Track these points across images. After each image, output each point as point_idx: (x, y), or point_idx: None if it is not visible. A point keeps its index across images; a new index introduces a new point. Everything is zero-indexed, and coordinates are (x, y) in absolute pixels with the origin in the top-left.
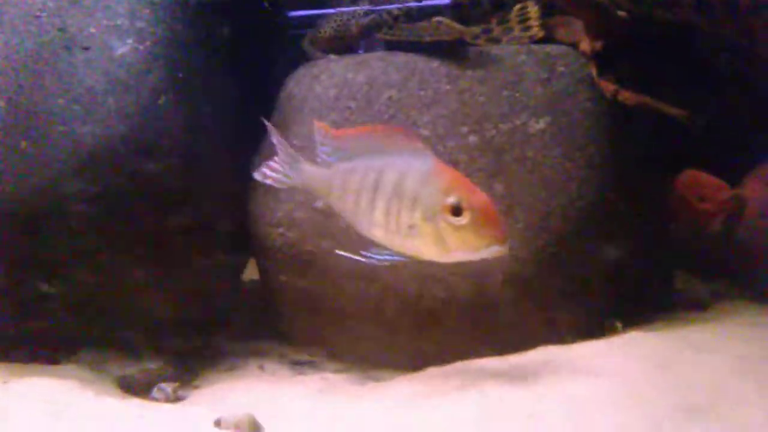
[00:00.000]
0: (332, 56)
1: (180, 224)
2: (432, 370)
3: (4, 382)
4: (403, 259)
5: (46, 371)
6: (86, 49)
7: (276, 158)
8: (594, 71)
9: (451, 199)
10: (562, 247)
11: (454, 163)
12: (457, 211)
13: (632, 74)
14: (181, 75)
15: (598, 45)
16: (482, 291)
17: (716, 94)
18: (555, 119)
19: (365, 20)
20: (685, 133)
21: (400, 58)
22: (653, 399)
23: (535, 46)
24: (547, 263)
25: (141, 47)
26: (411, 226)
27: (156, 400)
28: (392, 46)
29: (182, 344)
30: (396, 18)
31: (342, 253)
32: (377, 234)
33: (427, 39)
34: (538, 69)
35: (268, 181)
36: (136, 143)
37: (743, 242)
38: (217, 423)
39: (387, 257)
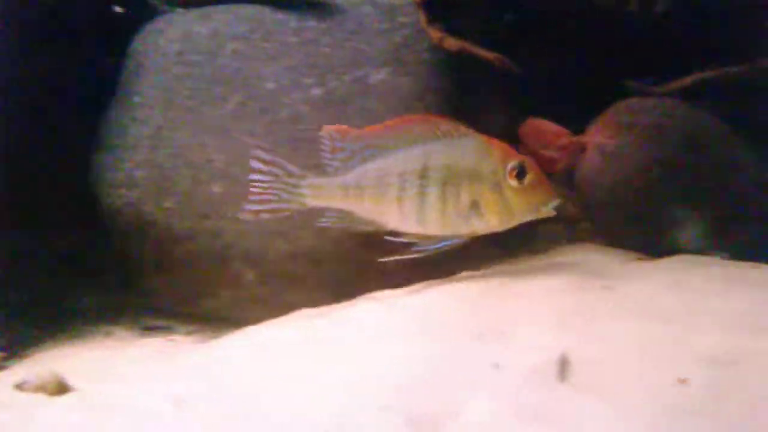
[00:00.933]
0: (179, 9)
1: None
2: (272, 321)
3: None
4: (459, 241)
5: None
6: None
7: (263, 184)
8: (423, 19)
9: (513, 164)
10: None
11: (298, 116)
12: (521, 173)
13: (461, 22)
14: None
15: None
16: (321, 244)
17: (552, 43)
18: (395, 70)
19: None
20: (531, 83)
21: (247, 10)
22: (452, 326)
23: None
24: None
25: None
26: (474, 202)
27: None
28: None
29: (21, 318)
30: None
31: (390, 259)
32: (430, 223)
33: None
34: (380, 20)
35: (266, 216)
36: None
37: (581, 187)
38: (19, 386)
39: (442, 244)
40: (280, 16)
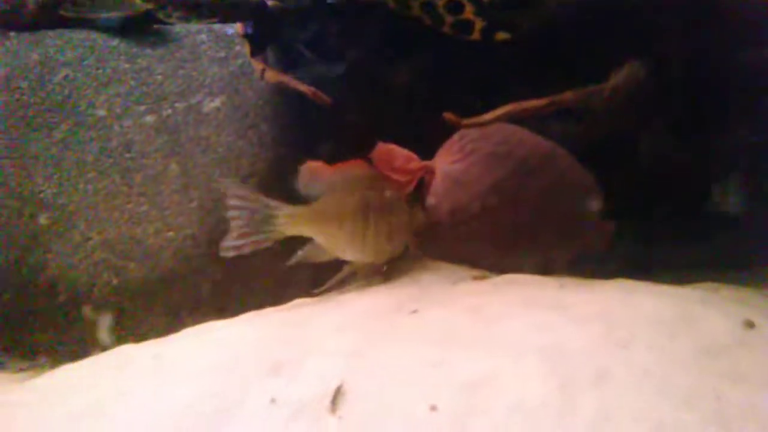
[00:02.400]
0: (11, 33)
1: None
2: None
3: None
4: None
5: None
6: None
7: (238, 214)
8: (247, 51)
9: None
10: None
11: (130, 144)
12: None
13: (281, 55)
14: None
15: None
16: (155, 270)
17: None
18: (229, 98)
19: None
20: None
21: (78, 35)
22: (251, 359)
23: (215, 26)
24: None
25: None
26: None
27: None
28: (74, 24)
29: None
30: None
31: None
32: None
33: (107, 16)
34: (216, 48)
35: (247, 250)
36: None
37: (428, 210)
38: None
39: None
40: (113, 42)
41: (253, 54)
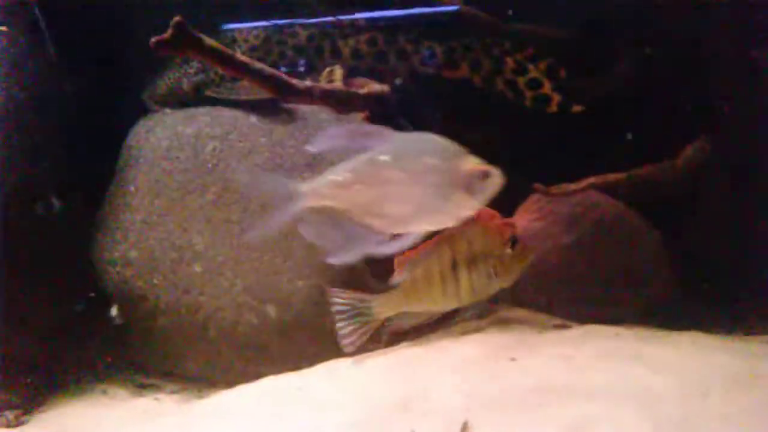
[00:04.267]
0: (167, 110)
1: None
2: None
3: None
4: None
5: None
6: None
7: (347, 321)
8: None
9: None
10: (352, 273)
11: (266, 206)
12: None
13: None
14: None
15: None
16: (288, 313)
17: None
18: None
19: (195, 78)
20: None
21: (224, 113)
22: (381, 395)
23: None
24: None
25: None
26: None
27: None
28: (218, 102)
29: (32, 378)
30: (222, 77)
31: None
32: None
33: (244, 97)
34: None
35: (360, 343)
36: None
37: None
38: None
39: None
40: (252, 119)
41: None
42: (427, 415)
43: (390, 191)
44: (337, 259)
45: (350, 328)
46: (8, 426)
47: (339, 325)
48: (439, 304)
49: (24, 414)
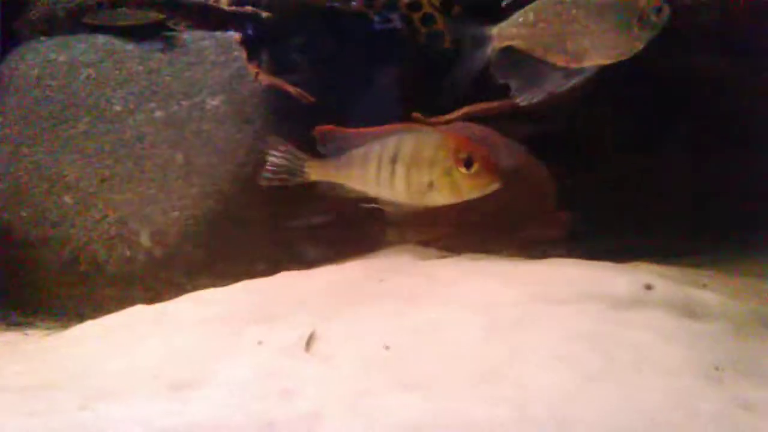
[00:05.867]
0: (42, 38)
1: None
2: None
3: None
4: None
5: None
6: None
7: (276, 160)
8: (243, 56)
9: (463, 155)
10: (229, 205)
11: (141, 136)
12: (468, 163)
13: (273, 59)
14: None
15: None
16: (161, 244)
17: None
18: (228, 97)
19: (71, 5)
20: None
21: (100, 40)
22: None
23: (217, 33)
24: (215, 220)
25: None
26: (430, 184)
27: None
28: (96, 30)
29: None
30: (100, 4)
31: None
32: (400, 195)
33: (123, 23)
34: (217, 53)
35: (276, 183)
36: None
37: None
38: None
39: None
40: (129, 46)
41: (248, 59)
42: (281, 329)
43: (570, 28)
44: (525, 98)
45: (276, 176)
46: None
47: (268, 170)
48: (370, 189)
49: None
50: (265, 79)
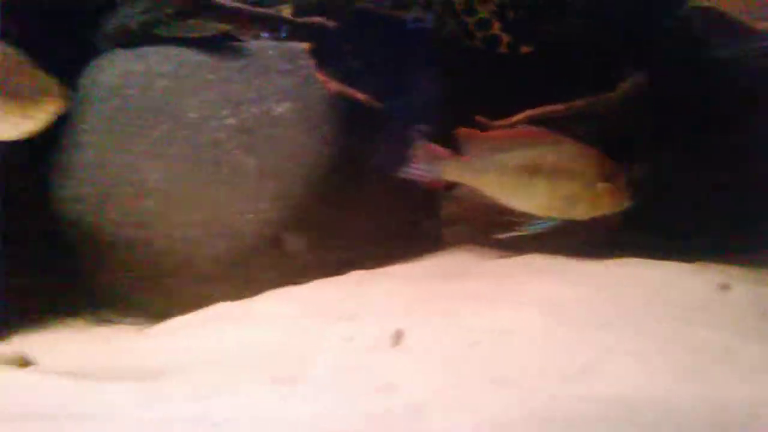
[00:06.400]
0: (118, 50)
1: None
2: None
3: None
4: (556, 223)
5: None
6: None
7: (418, 157)
8: (312, 64)
9: (607, 170)
10: (300, 208)
11: (216, 142)
12: (610, 177)
13: (340, 67)
14: None
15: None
16: (237, 248)
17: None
18: (295, 103)
19: (144, 18)
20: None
21: (173, 51)
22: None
23: (281, 43)
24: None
25: None
26: (571, 196)
27: None
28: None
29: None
30: (171, 15)
31: (504, 236)
32: (538, 207)
33: (194, 35)
34: (283, 62)
35: (413, 177)
36: None
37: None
38: None
39: (544, 224)
40: (200, 57)
41: (318, 67)
42: (366, 325)
43: None
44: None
45: (414, 170)
46: None
47: (408, 164)
48: (504, 197)
49: None
50: (334, 86)
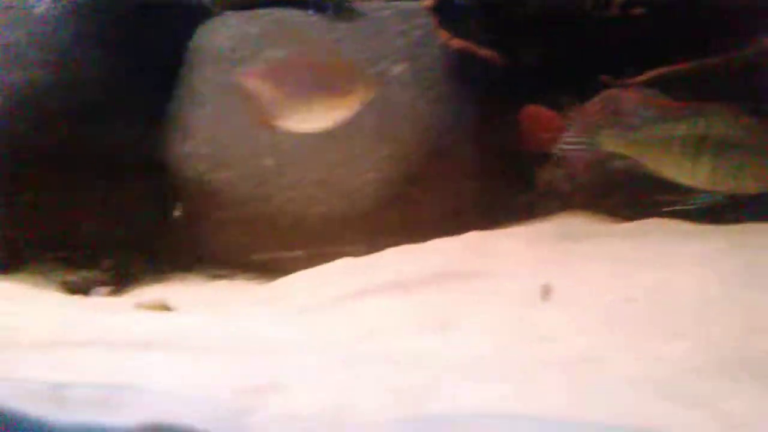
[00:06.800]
0: (228, 12)
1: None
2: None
3: None
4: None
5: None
6: None
7: (572, 131)
8: (434, 22)
9: None
10: (416, 168)
11: None
12: None
13: (463, 24)
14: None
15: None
16: (354, 207)
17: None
18: (411, 64)
19: None
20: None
21: (286, 13)
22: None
23: (396, 3)
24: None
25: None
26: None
27: None
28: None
29: (115, 260)
30: None
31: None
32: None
33: None
34: (398, 22)
35: (571, 153)
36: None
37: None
38: (138, 305)
39: (708, 198)
40: (313, 18)
41: (439, 25)
42: (505, 281)
43: None
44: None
45: (573, 143)
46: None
47: (567, 135)
48: (667, 171)
49: (114, 293)
50: (456, 43)
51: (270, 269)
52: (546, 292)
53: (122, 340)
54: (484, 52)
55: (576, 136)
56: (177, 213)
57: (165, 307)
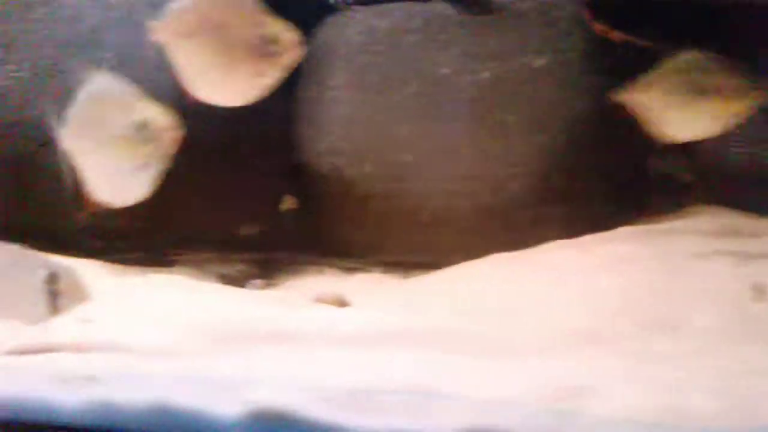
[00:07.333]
0: (354, 7)
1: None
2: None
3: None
4: None
5: (161, 270)
6: None
7: None
8: (587, 15)
9: None
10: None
11: (473, 97)
12: None
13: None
14: None
15: None
16: (502, 198)
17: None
18: (554, 56)
19: None
20: None
21: (417, 7)
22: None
23: None
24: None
25: None
26: None
27: None
28: None
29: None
30: None
31: None
32: None
33: None
34: (538, 13)
35: None
36: None
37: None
38: (318, 299)
39: None
40: (448, 12)
41: (594, 18)
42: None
43: None
44: None
45: None
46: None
47: None
48: None
49: (268, 285)
50: (618, 36)
51: (408, 264)
52: (760, 291)
53: (351, 338)
54: (646, 42)
55: None
56: (288, 206)
57: (344, 302)
